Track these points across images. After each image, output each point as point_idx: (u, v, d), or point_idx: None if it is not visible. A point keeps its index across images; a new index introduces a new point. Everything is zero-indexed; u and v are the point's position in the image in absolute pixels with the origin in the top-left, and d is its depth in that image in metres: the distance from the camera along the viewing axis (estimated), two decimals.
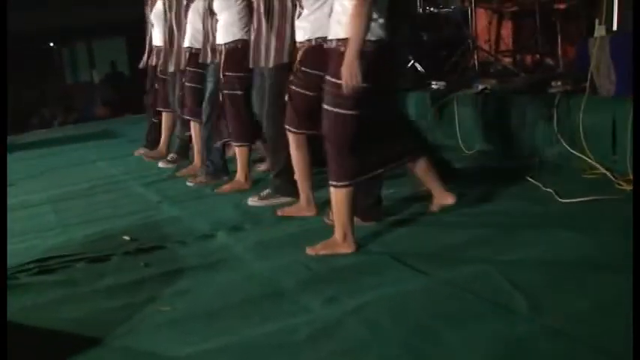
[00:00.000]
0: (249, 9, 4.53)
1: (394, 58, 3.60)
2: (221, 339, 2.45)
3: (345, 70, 3.03)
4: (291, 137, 3.87)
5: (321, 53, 3.42)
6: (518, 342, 2.16)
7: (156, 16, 6.15)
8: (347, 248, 3.22)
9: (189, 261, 3.39)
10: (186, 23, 5.42)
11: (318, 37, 3.62)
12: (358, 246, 3.23)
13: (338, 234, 3.25)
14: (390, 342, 2.26)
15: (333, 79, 3.14)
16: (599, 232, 3.05)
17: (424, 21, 6.88)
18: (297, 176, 3.97)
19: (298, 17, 3.79)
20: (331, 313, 2.54)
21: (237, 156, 4.84)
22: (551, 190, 3.73)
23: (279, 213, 4.03)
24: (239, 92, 4.62)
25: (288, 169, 4.09)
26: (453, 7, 6.91)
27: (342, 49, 3.08)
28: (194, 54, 5.28)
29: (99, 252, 3.65)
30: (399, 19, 3.89)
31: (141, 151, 6.81)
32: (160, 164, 6.00)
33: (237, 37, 4.60)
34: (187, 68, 5.41)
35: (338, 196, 3.24)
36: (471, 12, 6.21)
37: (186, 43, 5.40)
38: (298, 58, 3.80)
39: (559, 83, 4.69)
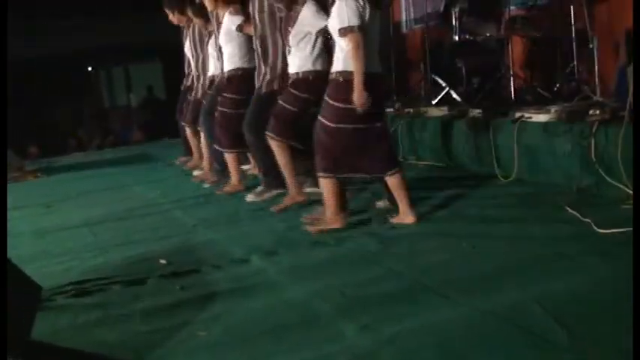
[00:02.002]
0: (249, 42, 5.43)
1: (383, 84, 4.38)
2: None
3: (357, 99, 3.89)
4: (273, 144, 4.76)
5: (305, 82, 4.64)
6: None
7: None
8: (337, 224, 4.13)
9: (224, 285, 3.40)
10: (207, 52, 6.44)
11: (305, 71, 4.65)
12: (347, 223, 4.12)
13: (329, 214, 4.15)
14: None
15: (331, 102, 4.06)
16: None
17: (459, 48, 6.87)
18: (285, 174, 4.85)
19: (289, 53, 4.75)
20: (367, 341, 2.53)
21: (228, 162, 5.77)
22: (589, 220, 3.68)
23: (274, 209, 4.82)
24: (231, 111, 5.56)
25: (273, 167, 4.99)
26: (488, 34, 6.89)
27: (340, 79, 4.00)
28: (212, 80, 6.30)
29: (135, 275, 3.69)
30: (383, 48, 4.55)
31: (182, 159, 7.63)
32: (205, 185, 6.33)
33: (237, 66, 5.56)
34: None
35: (325, 183, 4.11)
36: (506, 39, 6.20)
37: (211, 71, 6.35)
38: (289, 83, 4.75)
39: (597, 112, 4.64)
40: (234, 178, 5.78)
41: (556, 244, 3.46)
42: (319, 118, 4.15)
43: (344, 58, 3.99)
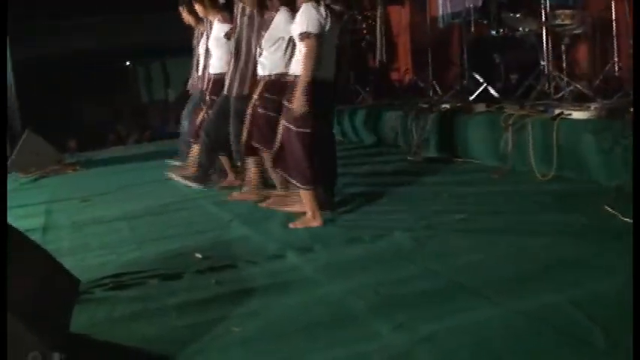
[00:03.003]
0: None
1: (333, 91, 4.61)
2: None
3: (295, 102, 4.25)
4: (265, 155, 4.92)
5: (277, 84, 4.78)
6: None
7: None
8: (317, 222, 4.34)
9: (259, 281, 3.41)
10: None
11: (276, 73, 4.85)
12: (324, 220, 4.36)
13: (309, 213, 4.38)
14: None
15: (290, 105, 4.32)
16: None
17: (498, 44, 6.80)
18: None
19: (259, 56, 4.97)
20: (402, 340, 2.51)
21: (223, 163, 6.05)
22: (629, 220, 3.61)
23: (264, 205, 5.03)
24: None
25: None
26: (527, 29, 6.81)
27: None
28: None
29: (171, 269, 3.72)
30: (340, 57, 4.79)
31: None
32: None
33: (224, 70, 5.68)
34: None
35: (304, 193, 4.39)
36: (545, 34, 6.11)
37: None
38: (260, 88, 4.93)
39: None
40: (230, 175, 6.05)
41: (594, 243, 3.41)
42: (283, 122, 4.41)
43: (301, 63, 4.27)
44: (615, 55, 5.83)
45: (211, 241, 4.31)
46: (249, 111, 5.02)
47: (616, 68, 5.91)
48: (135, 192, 6.55)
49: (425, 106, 6.92)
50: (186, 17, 6.92)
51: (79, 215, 5.65)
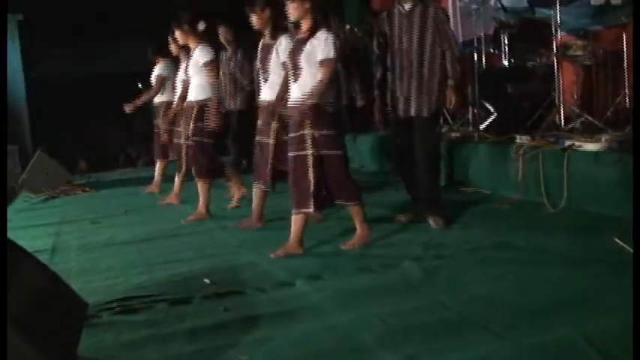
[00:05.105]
0: (216, 72, 5.95)
1: (341, 115, 4.62)
2: None
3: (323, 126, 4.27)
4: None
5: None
6: None
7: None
8: (298, 250, 4.38)
9: (267, 308, 3.40)
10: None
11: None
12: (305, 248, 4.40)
13: (294, 240, 4.39)
14: None
15: (297, 132, 4.31)
16: None
17: (509, 74, 6.82)
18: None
19: (265, 82, 5.09)
20: None
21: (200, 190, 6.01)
22: None
23: (230, 225, 5.36)
24: (204, 140, 5.85)
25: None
26: (538, 60, 6.83)
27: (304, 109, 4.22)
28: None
29: (180, 294, 3.71)
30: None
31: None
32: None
33: (208, 96, 5.77)
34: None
35: (298, 218, 4.37)
36: (557, 65, 6.13)
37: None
38: (265, 114, 5.04)
39: None
40: (202, 205, 6.02)
41: (605, 276, 3.40)
42: (289, 154, 4.42)
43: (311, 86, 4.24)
44: (626, 86, 5.83)
45: (220, 266, 4.31)
46: (271, 140, 5.03)
47: (627, 100, 5.91)
48: (144, 215, 6.56)
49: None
50: (174, 48, 6.98)
51: (88, 237, 5.66)
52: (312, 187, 4.29)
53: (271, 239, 4.80)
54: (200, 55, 5.86)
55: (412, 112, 4.79)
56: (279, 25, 4.99)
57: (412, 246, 4.35)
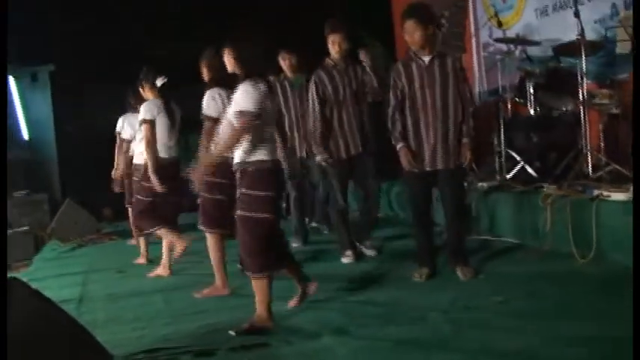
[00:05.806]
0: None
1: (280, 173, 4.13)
2: None
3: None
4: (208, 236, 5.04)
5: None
6: None
7: None
8: (268, 323, 3.97)
9: None
10: None
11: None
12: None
13: (261, 311, 4.00)
14: None
15: (248, 191, 3.94)
16: None
17: (535, 123, 6.80)
18: (214, 264, 5.03)
19: None
20: None
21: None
22: None
23: (197, 295, 4.97)
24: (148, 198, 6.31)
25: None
26: (564, 109, 6.81)
27: (250, 168, 3.93)
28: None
29: (205, 345, 3.71)
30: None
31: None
32: None
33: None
34: None
35: (259, 283, 4.00)
36: (583, 114, 6.11)
37: None
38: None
39: None
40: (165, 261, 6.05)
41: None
42: (238, 214, 4.00)
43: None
44: None
45: (245, 317, 4.27)
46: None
47: None
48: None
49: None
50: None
51: (114, 287, 5.69)
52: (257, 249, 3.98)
53: (294, 289, 4.79)
54: (147, 107, 5.98)
55: (439, 164, 4.79)
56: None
57: (439, 297, 4.30)
